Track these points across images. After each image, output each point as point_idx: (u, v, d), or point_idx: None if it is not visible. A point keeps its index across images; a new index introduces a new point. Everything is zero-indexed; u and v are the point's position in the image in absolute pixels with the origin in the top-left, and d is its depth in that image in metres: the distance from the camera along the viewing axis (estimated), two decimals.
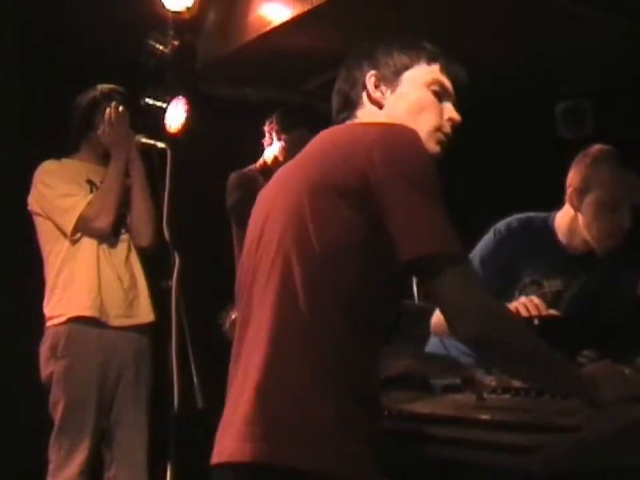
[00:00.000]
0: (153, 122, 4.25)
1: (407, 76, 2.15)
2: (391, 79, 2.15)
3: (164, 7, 4.46)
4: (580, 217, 3.14)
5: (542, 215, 3.25)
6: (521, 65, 4.89)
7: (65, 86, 4.20)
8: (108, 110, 3.96)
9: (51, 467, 3.76)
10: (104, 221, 3.89)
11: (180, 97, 4.31)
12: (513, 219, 3.23)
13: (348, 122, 2.16)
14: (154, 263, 4.07)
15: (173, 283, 3.90)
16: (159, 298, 3.99)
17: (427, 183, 1.87)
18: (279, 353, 1.87)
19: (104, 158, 4.07)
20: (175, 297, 3.88)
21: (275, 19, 4.51)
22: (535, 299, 2.87)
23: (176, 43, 4.52)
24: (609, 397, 1.90)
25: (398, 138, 1.93)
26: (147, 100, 4.29)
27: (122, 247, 4.00)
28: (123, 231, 4.02)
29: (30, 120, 4.60)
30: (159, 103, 4.29)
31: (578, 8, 4.29)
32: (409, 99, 2.14)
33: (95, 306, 3.82)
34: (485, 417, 1.91)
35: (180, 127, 4.29)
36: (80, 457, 3.74)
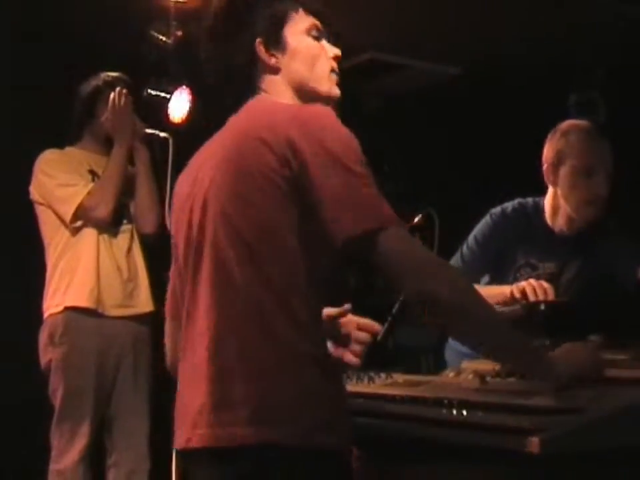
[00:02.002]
0: (156, 112, 4.25)
1: (287, 32, 2.09)
2: (276, 40, 2.08)
3: None
4: (559, 191, 3.17)
5: (536, 198, 3.28)
6: (533, 57, 4.89)
7: (68, 77, 4.19)
8: (112, 95, 3.94)
9: (53, 453, 3.80)
10: (104, 210, 3.88)
11: (183, 87, 4.32)
12: (509, 203, 3.27)
13: (255, 97, 2.08)
14: (156, 253, 4.06)
15: None
16: (161, 288, 4.00)
17: (350, 158, 1.86)
18: (225, 336, 1.87)
19: (106, 146, 4.04)
20: None
21: None
22: (545, 284, 2.89)
23: (179, 33, 4.52)
24: (565, 376, 1.92)
25: (313, 119, 1.90)
26: (150, 90, 4.30)
27: (123, 237, 3.99)
28: (125, 221, 4.02)
29: (32, 112, 4.61)
30: (162, 94, 4.29)
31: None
32: (300, 54, 2.09)
33: (92, 297, 3.83)
34: (486, 399, 1.92)
35: (183, 117, 4.29)
36: (80, 443, 3.77)
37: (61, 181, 3.90)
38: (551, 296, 2.86)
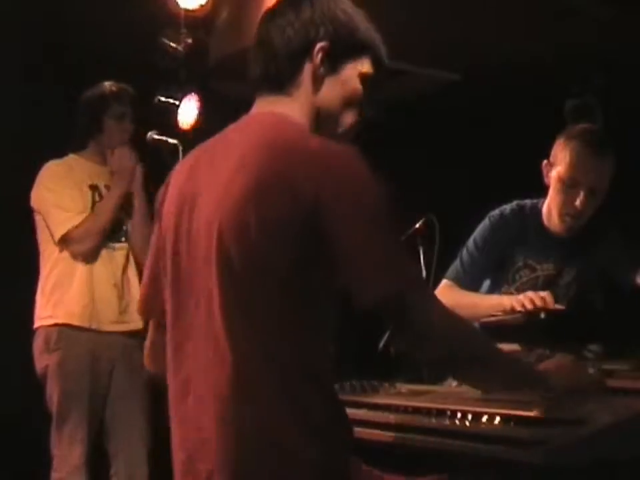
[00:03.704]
0: (166, 119, 4.28)
1: (349, 61, 2.02)
2: (335, 59, 1.99)
3: (177, 4, 4.49)
4: (550, 192, 3.19)
5: (534, 200, 3.30)
6: (530, 62, 4.90)
7: (79, 84, 4.22)
8: (126, 151, 4.01)
9: (54, 461, 3.83)
10: (86, 245, 3.92)
11: (192, 94, 4.35)
12: (507, 205, 3.30)
13: (275, 98, 1.99)
14: None
15: None
16: None
17: (380, 212, 1.81)
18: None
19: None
20: None
21: None
22: (542, 293, 2.91)
23: (189, 40, 4.55)
24: (559, 388, 1.95)
25: (345, 165, 1.82)
26: (160, 97, 4.32)
27: (120, 254, 4.05)
28: (122, 239, 4.08)
29: (42, 120, 4.63)
30: (171, 100, 4.32)
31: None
32: (345, 89, 2.01)
33: (86, 314, 3.90)
34: (489, 410, 1.94)
35: (192, 123, 4.32)
36: (79, 449, 3.82)
37: (59, 201, 3.93)
38: (550, 305, 2.87)
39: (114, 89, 4.09)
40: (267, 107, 2.00)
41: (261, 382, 1.78)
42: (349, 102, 2.02)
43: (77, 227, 3.89)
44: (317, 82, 1.98)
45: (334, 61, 1.99)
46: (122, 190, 4.01)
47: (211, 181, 1.92)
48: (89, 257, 3.94)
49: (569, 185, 3.11)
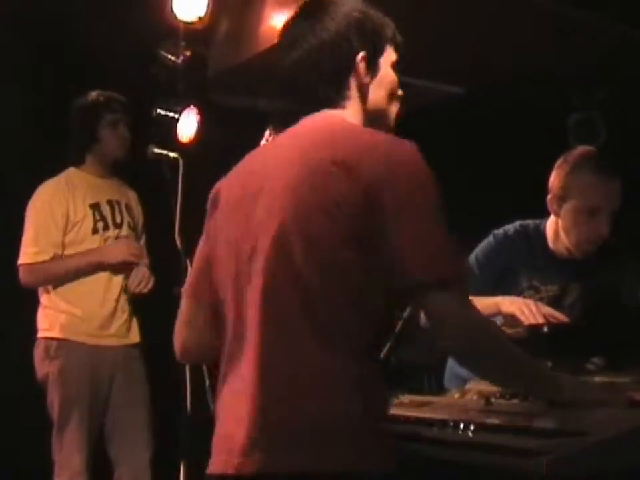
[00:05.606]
0: (165, 132, 4.29)
1: (382, 59, 2.11)
2: (374, 62, 2.08)
3: (175, 17, 4.48)
4: (560, 222, 3.16)
5: (537, 221, 3.28)
6: (532, 76, 4.90)
7: (77, 97, 4.23)
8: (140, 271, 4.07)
9: (55, 467, 3.88)
10: (30, 284, 4.00)
11: (191, 107, 4.35)
12: (511, 225, 3.28)
13: (333, 111, 2.06)
14: (166, 270, 4.11)
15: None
16: (171, 304, 4.04)
17: (432, 202, 1.88)
18: (279, 349, 1.87)
19: (111, 167, 4.17)
20: None
21: None
22: (543, 307, 2.90)
23: (187, 53, 4.54)
24: (570, 398, 1.97)
25: (404, 159, 1.90)
26: (159, 110, 4.33)
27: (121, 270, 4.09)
28: None
29: (41, 132, 4.63)
30: (170, 114, 4.33)
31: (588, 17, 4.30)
32: (386, 83, 2.11)
33: (82, 330, 3.96)
34: (492, 421, 1.94)
35: (192, 137, 4.32)
36: (80, 455, 3.87)
37: (37, 233, 3.97)
38: (552, 317, 2.87)
39: (101, 98, 4.14)
40: (318, 116, 2.06)
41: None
42: (392, 94, 2.12)
43: (35, 269, 3.95)
44: (364, 91, 2.07)
45: (372, 65, 2.07)
46: (97, 261, 4.01)
47: (272, 175, 1.98)
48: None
49: (590, 214, 3.07)
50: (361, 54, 2.04)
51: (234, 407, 1.92)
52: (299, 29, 2.07)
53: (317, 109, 2.07)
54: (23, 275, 3.97)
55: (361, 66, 2.05)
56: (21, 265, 3.96)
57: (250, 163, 2.13)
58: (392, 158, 1.88)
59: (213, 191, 2.18)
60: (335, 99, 2.05)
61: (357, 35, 2.04)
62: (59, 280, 3.97)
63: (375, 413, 1.87)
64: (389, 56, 2.11)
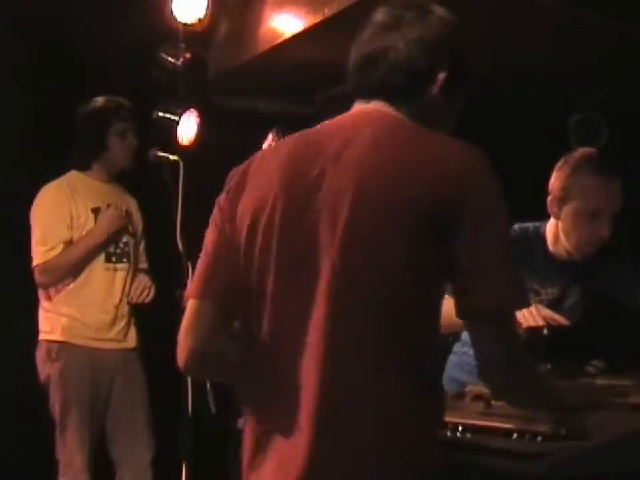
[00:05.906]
0: (166, 135, 4.29)
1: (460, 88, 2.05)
2: (451, 85, 1.98)
3: (175, 19, 4.49)
4: (560, 225, 3.15)
5: (536, 224, 3.27)
6: (532, 76, 4.90)
7: (78, 99, 4.23)
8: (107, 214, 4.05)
9: (60, 466, 3.94)
10: (45, 283, 4.00)
11: (192, 109, 4.35)
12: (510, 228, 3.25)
13: (383, 103, 1.94)
14: (168, 272, 4.12)
15: None
16: (173, 306, 4.06)
17: (506, 225, 1.90)
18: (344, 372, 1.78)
19: (117, 175, 4.18)
20: None
21: (286, 30, 4.51)
22: (542, 309, 2.90)
23: (187, 55, 4.55)
24: (573, 403, 1.97)
25: (486, 169, 1.86)
26: (159, 113, 4.34)
27: (120, 275, 4.10)
28: (124, 259, 4.13)
29: (42, 136, 4.64)
30: (171, 116, 4.33)
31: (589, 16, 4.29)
32: (455, 106, 2.05)
33: (81, 334, 3.99)
34: (491, 423, 1.94)
35: (192, 139, 4.33)
36: (81, 454, 3.92)
37: (45, 232, 3.99)
38: (551, 320, 2.86)
39: (112, 105, 4.11)
40: (373, 106, 1.96)
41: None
42: (453, 117, 2.06)
43: (49, 260, 3.95)
44: (437, 104, 1.98)
45: (449, 90, 1.98)
46: (96, 242, 4.03)
47: (333, 174, 1.84)
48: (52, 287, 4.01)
49: (591, 217, 3.06)
50: (443, 73, 1.96)
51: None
52: (408, 17, 1.95)
53: (375, 97, 1.95)
54: (37, 276, 3.98)
55: (439, 84, 1.95)
56: (35, 266, 3.97)
57: (294, 151, 1.93)
58: (480, 175, 1.85)
59: (237, 174, 2.04)
60: (398, 94, 1.94)
61: (451, 55, 1.99)
62: (70, 273, 3.98)
63: (433, 439, 1.84)
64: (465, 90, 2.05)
